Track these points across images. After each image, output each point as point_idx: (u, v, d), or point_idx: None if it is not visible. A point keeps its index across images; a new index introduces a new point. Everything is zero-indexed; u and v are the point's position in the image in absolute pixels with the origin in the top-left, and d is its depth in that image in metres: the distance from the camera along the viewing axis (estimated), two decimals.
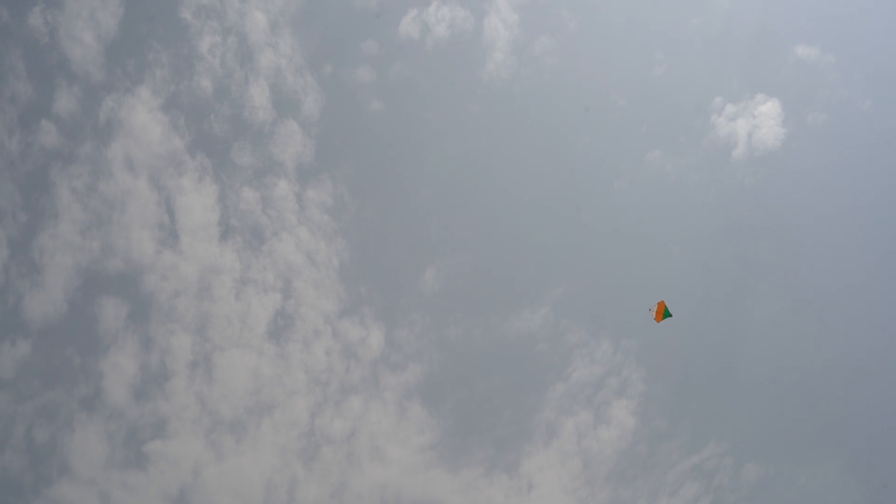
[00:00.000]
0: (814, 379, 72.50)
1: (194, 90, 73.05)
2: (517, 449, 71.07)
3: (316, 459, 69.07)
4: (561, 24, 79.54)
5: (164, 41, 71.88)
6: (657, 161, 77.10)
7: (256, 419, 69.00)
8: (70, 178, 68.70)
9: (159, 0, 72.67)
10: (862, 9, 78.86)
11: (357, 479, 69.03)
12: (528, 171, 78.73)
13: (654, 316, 58.99)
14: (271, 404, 69.75)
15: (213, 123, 73.12)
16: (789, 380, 72.58)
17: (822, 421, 71.20)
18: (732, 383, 72.70)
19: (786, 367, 72.80)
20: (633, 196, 77.46)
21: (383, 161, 78.11)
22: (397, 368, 72.47)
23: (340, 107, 76.93)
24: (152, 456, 66.36)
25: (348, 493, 68.45)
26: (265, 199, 73.18)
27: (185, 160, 71.66)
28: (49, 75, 68.79)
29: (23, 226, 67.17)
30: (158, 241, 70.14)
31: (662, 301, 59.07)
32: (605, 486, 70.14)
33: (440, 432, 71.08)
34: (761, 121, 75.66)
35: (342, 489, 68.53)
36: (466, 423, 71.91)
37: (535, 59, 78.83)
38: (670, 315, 59.21)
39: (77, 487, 64.39)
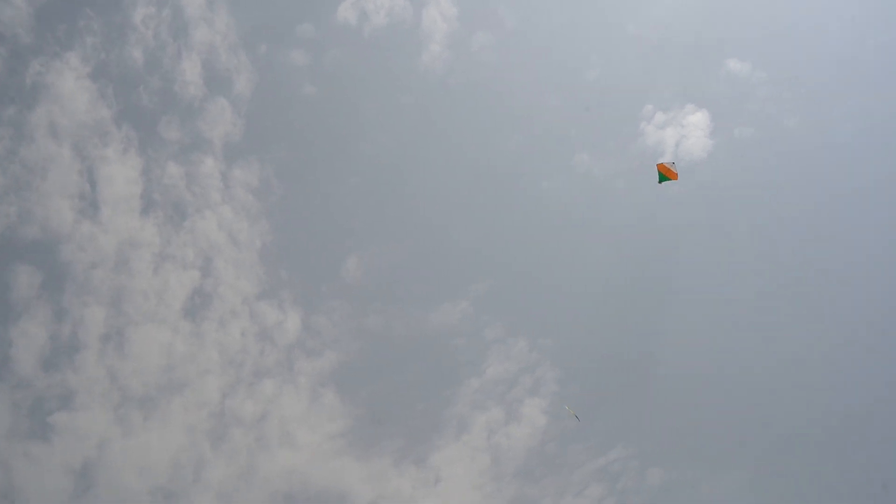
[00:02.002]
0: (723, 389, 74.42)
1: (125, 60, 73.52)
2: (427, 441, 72.21)
3: (224, 440, 69.70)
4: (499, 21, 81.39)
5: (97, 8, 72.11)
6: (585, 164, 79.24)
7: (167, 396, 69.41)
8: None
9: None
10: (795, 28, 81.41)
11: (265, 462, 69.71)
12: (458, 166, 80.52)
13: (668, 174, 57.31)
14: (183, 382, 70.21)
15: (141, 95, 73.69)
16: (699, 389, 74.46)
17: (729, 429, 72.78)
18: (644, 389, 74.27)
19: (697, 376, 74.55)
20: (559, 197, 79.37)
21: (313, 146, 79.24)
22: (313, 354, 73.39)
23: (273, 88, 77.92)
24: (57, 427, 66.36)
25: (255, 477, 69.11)
26: (190, 175, 73.81)
27: (110, 130, 71.98)
28: None
29: None
30: (78, 210, 70.35)
31: (662, 164, 57.93)
32: (511, 482, 71.57)
33: (352, 421, 72.02)
34: (689, 131, 77.94)
35: (249, 472, 69.19)
36: (379, 413, 72.88)
37: (471, 53, 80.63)
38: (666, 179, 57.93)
39: None
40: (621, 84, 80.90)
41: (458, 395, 73.48)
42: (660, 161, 57.93)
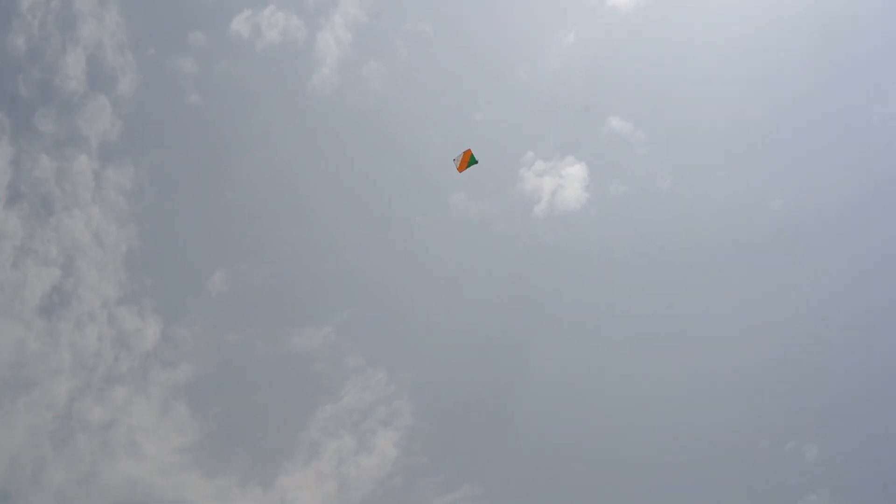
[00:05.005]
0: (575, 438, 76.28)
1: (6, 47, 74.02)
2: (276, 464, 72.80)
3: (68, 444, 69.75)
4: (392, 52, 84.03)
5: None
6: (462, 204, 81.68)
7: (12, 394, 69.47)
8: None
9: None
10: (678, 94, 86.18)
11: (108, 470, 69.91)
12: (335, 192, 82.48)
13: (458, 166, 59.31)
14: (31, 381, 70.36)
15: (20, 84, 74.29)
16: (552, 435, 76.13)
17: (578, 477, 74.62)
18: (497, 431, 76.04)
19: (551, 423, 76.48)
20: (433, 234, 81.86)
21: (191, 155, 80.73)
22: (169, 365, 74.03)
23: (157, 93, 79.23)
24: None
25: (96, 483, 69.16)
26: (62, 170, 74.34)
27: None
28: None
29: None
30: None
31: (469, 150, 59.69)
32: None
33: (201, 436, 72.54)
34: (567, 181, 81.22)
35: (90, 478, 69.27)
36: (229, 431, 73.70)
37: (361, 80, 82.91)
38: (476, 161, 59.85)
39: None
40: (506, 129, 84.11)
41: (311, 420, 74.52)
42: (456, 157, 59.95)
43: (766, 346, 76.22)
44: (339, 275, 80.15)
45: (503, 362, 78.44)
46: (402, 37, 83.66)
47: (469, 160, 59.25)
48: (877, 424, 72.02)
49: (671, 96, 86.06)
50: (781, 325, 77.13)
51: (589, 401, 76.83)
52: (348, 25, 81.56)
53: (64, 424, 70.02)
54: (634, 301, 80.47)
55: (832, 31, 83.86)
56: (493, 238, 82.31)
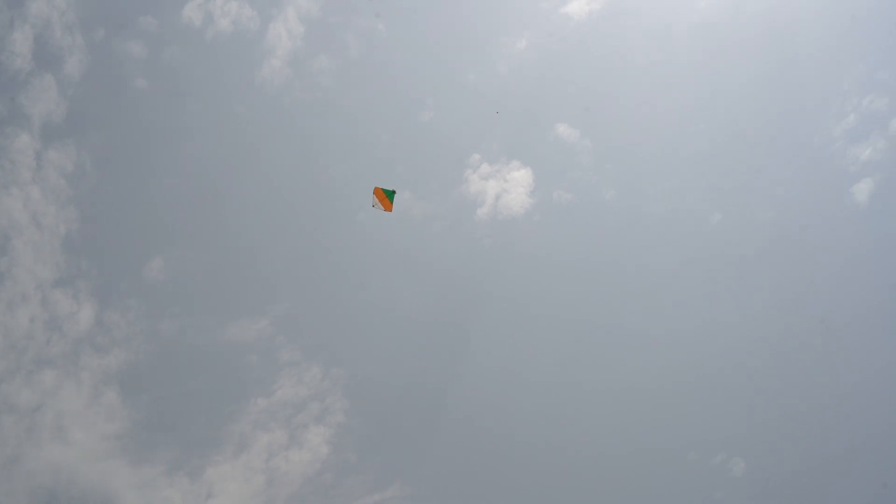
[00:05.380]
0: (508, 441, 76.77)
1: None
2: (205, 455, 72.71)
3: None
4: (344, 48, 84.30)
5: None
6: (405, 202, 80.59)
7: None
8: None
9: None
10: (626, 104, 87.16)
11: (32, 455, 69.36)
12: (279, 185, 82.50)
13: (382, 205, 59.90)
14: None
15: None
16: (484, 438, 76.69)
17: (509, 481, 74.95)
18: (429, 432, 76.64)
19: (484, 426, 76.97)
20: (374, 231, 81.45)
21: (136, 140, 80.00)
22: (101, 351, 73.62)
23: (104, 75, 78.70)
24: None
25: (20, 468, 68.70)
26: (2, 148, 73.82)
27: None
28: None
29: None
30: None
31: (377, 188, 60.22)
32: None
33: (130, 424, 72.23)
34: (511, 186, 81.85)
35: (14, 462, 68.77)
36: (159, 420, 73.25)
37: (311, 75, 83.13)
38: (394, 192, 60.39)
39: None
40: (453, 129, 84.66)
41: (243, 412, 74.56)
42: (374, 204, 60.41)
43: (697, 358, 77.46)
44: (279, 268, 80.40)
45: (438, 363, 78.94)
46: (354, 32, 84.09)
47: (386, 194, 59.67)
48: (804, 439, 73.13)
49: (619, 107, 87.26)
50: (713, 338, 78.38)
51: (520, 404, 77.35)
52: (301, 18, 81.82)
53: None
54: (570, 308, 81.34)
55: (779, 50, 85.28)
56: (434, 238, 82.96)
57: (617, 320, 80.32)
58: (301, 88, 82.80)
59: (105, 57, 78.16)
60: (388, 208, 60.11)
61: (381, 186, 59.95)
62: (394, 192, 60.12)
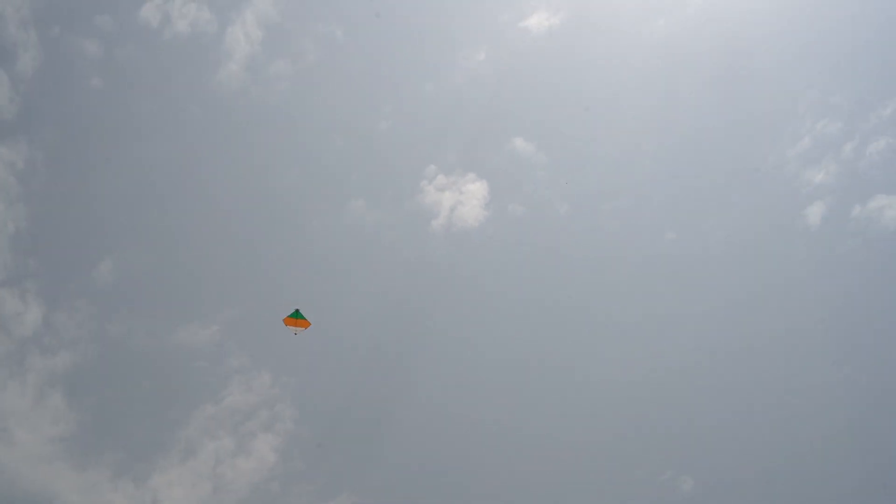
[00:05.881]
0: (455, 452, 76.82)
1: None
2: (151, 461, 72.23)
3: None
4: (301, 53, 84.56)
5: None
6: (359, 210, 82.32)
7: None
8: None
9: None
10: (580, 126, 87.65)
11: None
12: (232, 189, 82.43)
13: (300, 326, 61.69)
14: None
15: None
16: (430, 448, 76.79)
17: (453, 490, 74.81)
18: (377, 442, 76.29)
19: (430, 436, 77.15)
20: (326, 239, 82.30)
21: (88, 139, 79.69)
22: (48, 352, 73.05)
23: (58, 73, 78.00)
24: None
25: None
26: None
27: None
28: None
29: None
30: None
31: (286, 319, 61.90)
32: None
33: (75, 426, 71.77)
34: (467, 198, 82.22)
35: None
36: (105, 424, 72.88)
37: (268, 79, 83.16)
38: (301, 316, 62.03)
39: None
40: (409, 139, 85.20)
41: (190, 418, 74.10)
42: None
43: (648, 374, 77.84)
44: (229, 273, 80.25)
45: (387, 373, 78.74)
46: (312, 38, 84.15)
47: (294, 317, 61.46)
48: (752, 457, 73.84)
49: (575, 121, 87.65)
50: (664, 354, 78.84)
51: (467, 414, 77.45)
52: (259, 23, 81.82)
53: None
54: (521, 320, 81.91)
55: (736, 71, 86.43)
56: (388, 248, 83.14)
57: (567, 333, 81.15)
58: (257, 93, 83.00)
59: (60, 55, 77.79)
60: (306, 324, 61.93)
61: (286, 317, 61.48)
62: (297, 310, 61.77)
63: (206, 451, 73.58)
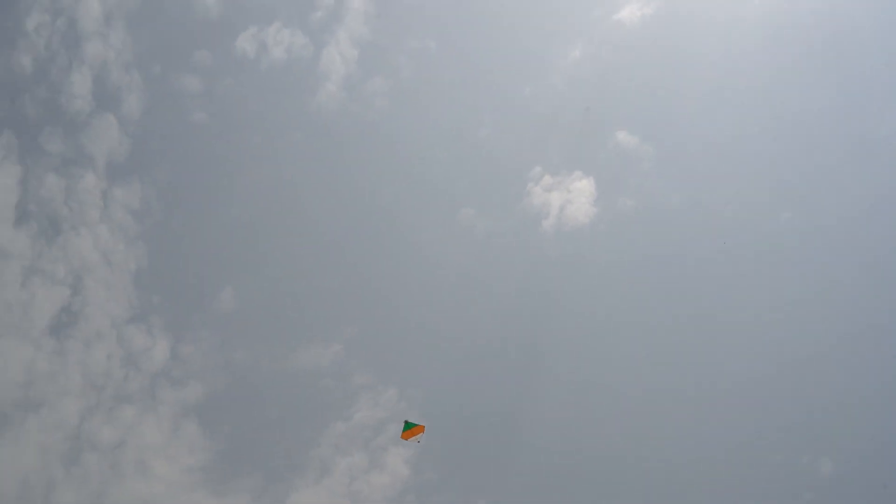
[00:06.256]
0: (588, 452, 76.63)
1: (12, 66, 74.79)
2: (287, 482, 72.96)
3: (78, 464, 69.91)
4: (397, 69, 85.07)
5: None
6: (469, 219, 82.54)
7: (22, 414, 69.71)
8: None
9: None
10: (687, 108, 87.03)
11: (117, 490, 70.04)
12: (342, 208, 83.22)
13: (417, 433, 62.37)
14: (40, 401, 70.59)
15: (26, 103, 74.83)
16: (563, 449, 76.26)
17: (588, 492, 74.55)
18: (508, 447, 76.41)
19: (562, 438, 76.78)
20: (440, 249, 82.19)
21: (198, 173, 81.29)
22: (178, 384, 74.39)
23: (163, 111, 79.91)
24: None
25: None
26: (69, 189, 74.82)
27: None
28: None
29: None
30: None
31: (403, 433, 62.84)
32: None
33: (211, 455, 72.90)
34: (575, 196, 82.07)
35: (100, 499, 69.45)
36: (239, 449, 73.96)
37: (366, 97, 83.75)
38: (412, 424, 62.75)
39: None
40: (512, 144, 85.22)
41: (322, 437, 74.91)
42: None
43: (777, 358, 76.89)
44: (347, 291, 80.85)
45: (512, 377, 79.06)
46: (406, 53, 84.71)
47: (408, 427, 62.57)
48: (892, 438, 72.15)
49: (677, 110, 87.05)
50: (794, 338, 77.95)
51: (597, 414, 77.51)
52: (354, 42, 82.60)
53: (74, 444, 70.33)
54: (642, 315, 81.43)
55: (837, 43, 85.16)
56: (501, 253, 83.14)
57: (690, 324, 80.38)
58: (357, 111, 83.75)
59: (163, 93, 79.68)
60: (421, 429, 62.47)
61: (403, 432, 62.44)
62: (406, 421, 62.83)
63: (340, 469, 74.37)
